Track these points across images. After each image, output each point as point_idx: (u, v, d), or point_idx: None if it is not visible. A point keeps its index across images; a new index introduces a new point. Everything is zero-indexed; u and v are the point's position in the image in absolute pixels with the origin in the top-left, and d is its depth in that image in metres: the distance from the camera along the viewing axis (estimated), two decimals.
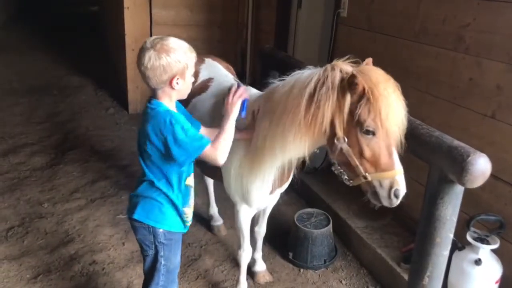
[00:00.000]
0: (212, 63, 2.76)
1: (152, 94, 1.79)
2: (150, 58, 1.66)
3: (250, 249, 2.50)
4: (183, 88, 1.77)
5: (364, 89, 1.62)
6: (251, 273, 2.78)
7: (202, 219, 3.25)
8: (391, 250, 2.79)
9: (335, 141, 1.71)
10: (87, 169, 3.98)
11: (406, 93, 2.97)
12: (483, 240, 2.28)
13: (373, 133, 1.65)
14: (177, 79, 1.72)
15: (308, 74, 1.78)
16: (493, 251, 2.30)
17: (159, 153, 1.74)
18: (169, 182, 1.82)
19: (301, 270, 2.87)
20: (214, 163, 1.80)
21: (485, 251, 2.27)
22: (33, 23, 10.89)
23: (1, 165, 3.95)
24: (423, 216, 1.89)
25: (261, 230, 2.68)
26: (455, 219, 1.83)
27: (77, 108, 5.52)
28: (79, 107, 5.56)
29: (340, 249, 3.05)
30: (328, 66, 1.73)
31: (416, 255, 1.95)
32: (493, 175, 1.75)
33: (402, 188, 1.70)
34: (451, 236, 1.85)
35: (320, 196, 3.42)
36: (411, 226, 2.95)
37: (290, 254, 2.92)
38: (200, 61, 2.63)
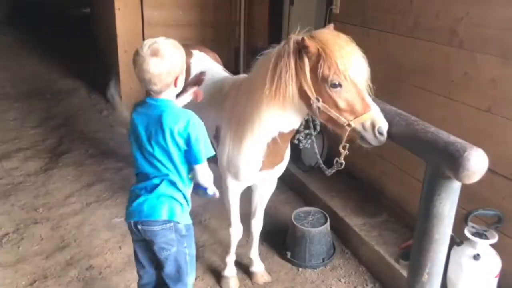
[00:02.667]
0: (200, 55, 2.88)
1: (153, 95, 1.81)
2: (155, 64, 1.71)
3: (240, 226, 2.57)
4: (181, 85, 1.87)
5: (318, 50, 1.78)
6: (249, 273, 2.77)
7: (198, 221, 3.23)
8: (389, 247, 2.78)
9: (312, 103, 1.86)
10: (82, 172, 3.95)
11: (400, 89, 2.99)
12: (481, 235, 2.27)
13: (340, 85, 1.80)
14: (179, 77, 1.81)
15: (271, 52, 1.95)
16: (492, 245, 2.29)
17: (179, 150, 1.82)
18: (181, 177, 1.89)
19: (300, 269, 2.86)
20: (201, 179, 1.92)
21: (483, 246, 2.26)
22: (24, 26, 10.80)
23: None
24: (420, 213, 1.86)
25: (257, 223, 2.67)
26: (453, 215, 1.81)
27: (71, 111, 5.47)
28: (73, 110, 5.51)
29: (338, 247, 3.04)
30: (284, 40, 1.91)
31: (415, 252, 1.93)
32: (490, 170, 1.73)
33: (383, 124, 1.80)
34: (450, 232, 1.83)
35: (317, 194, 3.40)
36: (409, 223, 2.94)
37: (288, 254, 2.91)
38: (188, 54, 2.69)
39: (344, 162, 1.94)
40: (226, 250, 2.71)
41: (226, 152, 2.27)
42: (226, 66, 3.02)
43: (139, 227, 1.88)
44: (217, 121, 2.33)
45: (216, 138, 2.36)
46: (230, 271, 2.69)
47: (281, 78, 1.84)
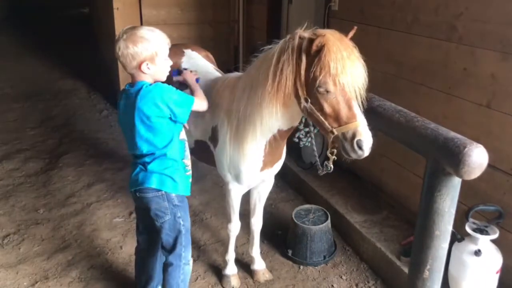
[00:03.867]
0: (192, 54, 2.87)
1: (132, 78, 1.97)
2: (120, 47, 1.87)
3: (239, 222, 2.58)
4: (155, 71, 1.94)
5: (316, 50, 1.73)
6: (250, 271, 2.77)
7: (199, 219, 3.23)
8: (390, 244, 2.78)
9: (301, 102, 1.85)
10: (83, 173, 3.95)
11: (399, 85, 2.98)
12: (482, 231, 2.27)
13: (328, 90, 1.74)
14: (147, 64, 1.89)
15: (272, 48, 1.93)
16: (493, 241, 2.29)
17: (165, 121, 1.94)
18: (170, 144, 2.00)
19: (301, 267, 2.86)
20: (202, 109, 2.14)
21: (484, 242, 2.26)
22: (23, 27, 10.80)
23: None
24: (421, 210, 1.86)
25: (257, 221, 2.66)
26: (453, 211, 1.80)
27: (71, 112, 5.48)
28: (73, 110, 5.52)
29: (339, 244, 3.04)
30: (289, 35, 1.87)
31: (416, 249, 1.92)
32: (490, 165, 1.73)
33: (365, 139, 1.75)
34: (450, 228, 1.83)
35: (317, 192, 3.40)
36: (410, 219, 2.94)
37: (289, 252, 2.91)
38: (180, 53, 2.80)
39: (332, 166, 1.93)
40: (225, 248, 2.71)
41: (227, 153, 2.24)
42: (225, 64, 3.01)
43: (137, 194, 2.08)
44: (213, 122, 2.30)
45: (212, 140, 2.33)
46: (231, 270, 2.69)
47: (283, 72, 1.82)
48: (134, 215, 3.32)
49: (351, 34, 1.84)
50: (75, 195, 3.59)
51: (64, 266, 2.79)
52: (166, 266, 2.16)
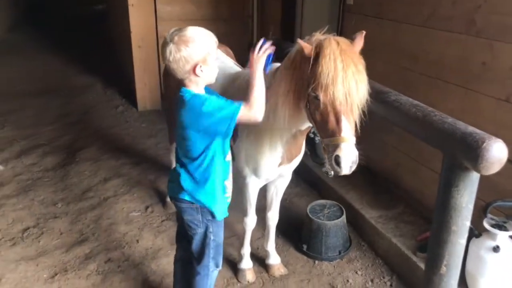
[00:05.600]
0: None
1: (181, 84, 1.85)
2: (171, 52, 1.74)
3: (255, 216, 2.58)
4: (208, 74, 1.83)
5: (315, 56, 1.71)
6: (265, 266, 2.78)
7: None
8: (406, 239, 2.76)
9: (300, 105, 1.85)
10: (99, 167, 4.00)
11: (415, 80, 2.95)
12: (500, 227, 2.24)
13: (318, 98, 1.72)
14: (200, 66, 1.77)
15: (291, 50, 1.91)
16: (511, 237, 2.26)
17: (201, 134, 1.82)
18: (213, 160, 1.89)
19: (316, 262, 2.86)
20: (253, 120, 1.84)
21: (503, 238, 2.23)
22: (39, 25, 10.94)
23: (14, 167, 3.99)
24: (437, 205, 1.85)
25: (274, 216, 2.67)
26: (471, 207, 1.79)
27: (86, 107, 5.55)
28: (89, 106, 5.58)
29: (354, 239, 3.03)
30: (307, 36, 1.83)
31: (433, 244, 1.92)
32: (510, 160, 1.71)
33: (343, 156, 1.69)
34: (468, 224, 1.82)
35: (332, 187, 3.39)
36: (426, 215, 2.92)
37: (304, 247, 2.91)
38: None
39: (333, 173, 1.84)
40: (241, 242, 2.72)
41: (245, 148, 2.25)
42: (239, 61, 3.01)
43: (173, 201, 2.04)
44: None
45: (233, 134, 2.35)
46: (247, 264, 2.71)
47: (294, 74, 1.85)
48: (150, 209, 3.37)
49: (359, 42, 1.79)
50: (92, 190, 3.64)
51: (82, 259, 2.84)
52: (194, 274, 2.12)
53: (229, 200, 2.07)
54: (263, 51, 1.89)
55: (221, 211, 2.02)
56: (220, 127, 1.79)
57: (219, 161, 1.91)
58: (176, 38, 1.74)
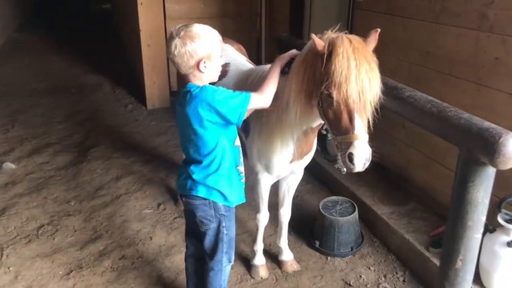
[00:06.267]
0: (225, 46, 2.82)
1: (185, 80, 1.88)
2: (176, 46, 1.77)
3: (268, 213, 2.60)
4: (211, 70, 1.86)
5: (328, 53, 1.71)
6: (278, 262, 2.80)
7: None
8: (418, 235, 2.77)
9: (312, 103, 1.85)
10: (110, 166, 4.03)
11: (427, 76, 2.95)
12: None
13: (331, 96, 1.72)
14: (204, 62, 1.80)
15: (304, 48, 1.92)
16: None
17: (215, 125, 1.84)
18: (224, 150, 1.92)
19: (328, 258, 2.87)
20: (262, 106, 1.94)
21: None
22: (48, 23, 11.01)
23: (26, 166, 4.03)
24: (453, 200, 1.86)
25: (286, 212, 2.69)
26: (487, 202, 1.79)
27: (96, 106, 5.58)
28: (98, 105, 5.62)
29: (366, 236, 3.04)
30: (313, 34, 1.81)
31: (448, 239, 1.92)
32: None
33: (357, 153, 1.69)
34: (483, 219, 1.82)
35: (343, 184, 3.40)
36: (438, 211, 2.92)
37: (317, 243, 2.92)
38: None
39: (345, 170, 1.83)
40: (254, 239, 2.74)
41: (257, 144, 2.27)
42: (247, 57, 3.03)
43: (183, 199, 2.04)
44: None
45: (244, 130, 2.37)
46: (259, 260, 2.73)
47: (306, 71, 1.85)
48: (162, 206, 3.40)
49: (374, 40, 1.79)
50: (104, 188, 3.67)
51: (96, 256, 2.87)
52: (207, 270, 2.14)
53: (243, 181, 2.11)
54: (288, 53, 2.02)
55: (237, 196, 2.05)
56: (233, 115, 1.82)
57: (229, 148, 1.96)
58: (182, 33, 1.78)
